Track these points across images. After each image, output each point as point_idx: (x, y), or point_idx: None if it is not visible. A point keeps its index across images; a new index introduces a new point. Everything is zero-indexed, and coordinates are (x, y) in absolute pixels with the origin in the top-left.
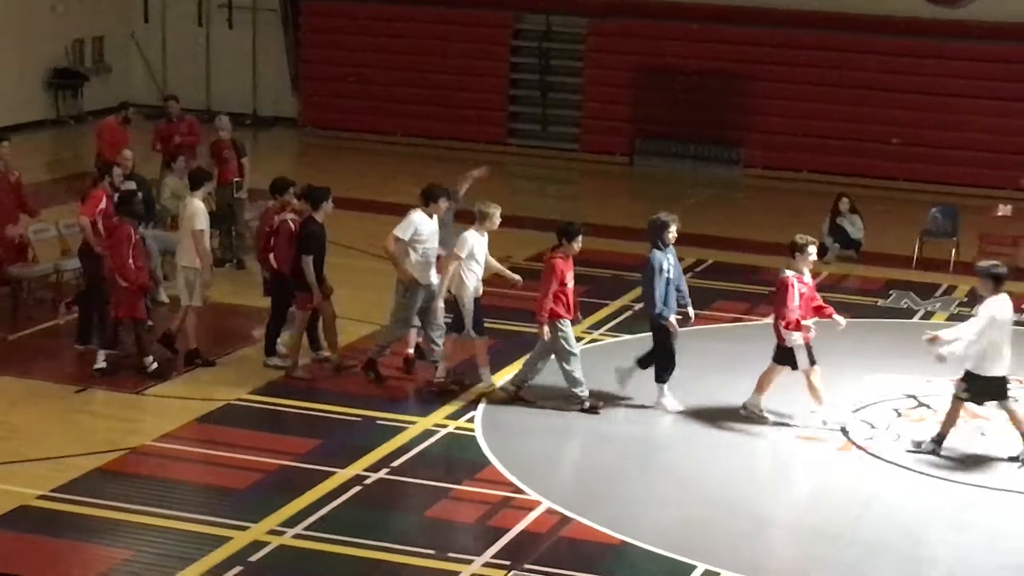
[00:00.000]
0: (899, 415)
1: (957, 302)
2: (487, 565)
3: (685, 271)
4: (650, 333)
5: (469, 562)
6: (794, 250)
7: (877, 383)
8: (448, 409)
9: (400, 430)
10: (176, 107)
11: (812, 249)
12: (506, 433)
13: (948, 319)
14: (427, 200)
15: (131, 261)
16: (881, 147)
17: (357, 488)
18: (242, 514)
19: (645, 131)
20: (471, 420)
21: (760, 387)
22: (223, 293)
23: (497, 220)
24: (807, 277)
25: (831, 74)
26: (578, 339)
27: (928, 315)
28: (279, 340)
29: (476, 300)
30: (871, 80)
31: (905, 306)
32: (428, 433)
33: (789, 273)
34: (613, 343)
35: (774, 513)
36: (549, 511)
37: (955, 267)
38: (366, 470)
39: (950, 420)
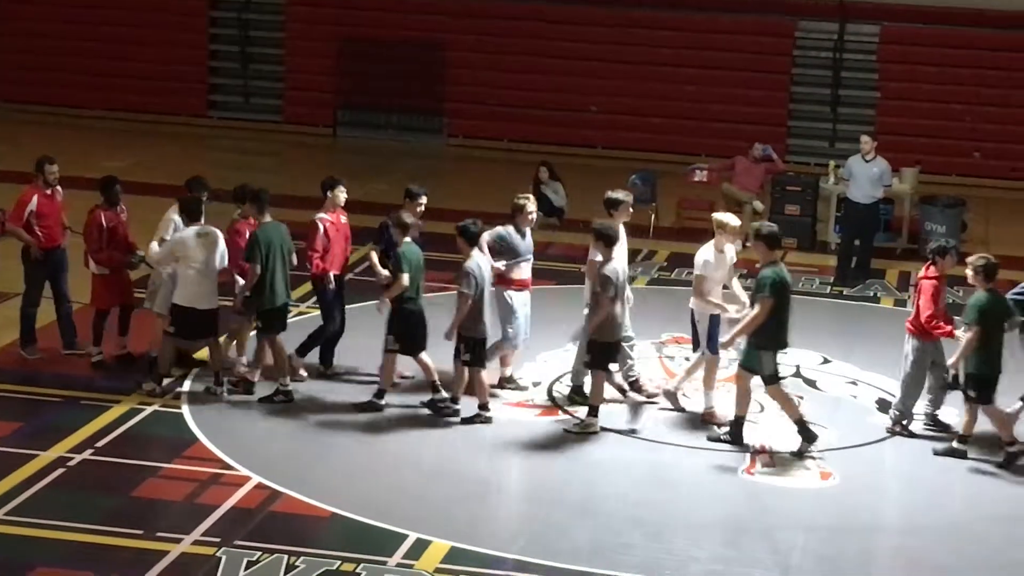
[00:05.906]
0: None
1: (658, 267)
2: (197, 543)
3: None
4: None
5: (178, 540)
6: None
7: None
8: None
9: (104, 409)
10: None
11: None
12: (213, 410)
13: (649, 283)
14: (609, 209)
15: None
16: (581, 115)
17: (60, 470)
18: None
19: (348, 102)
20: (177, 397)
21: None
22: None
23: (734, 225)
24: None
25: (532, 43)
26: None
27: (630, 279)
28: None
29: (713, 318)
30: (570, 49)
31: None
32: (133, 412)
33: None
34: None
35: (484, 479)
36: (259, 486)
37: (655, 232)
38: (69, 451)
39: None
